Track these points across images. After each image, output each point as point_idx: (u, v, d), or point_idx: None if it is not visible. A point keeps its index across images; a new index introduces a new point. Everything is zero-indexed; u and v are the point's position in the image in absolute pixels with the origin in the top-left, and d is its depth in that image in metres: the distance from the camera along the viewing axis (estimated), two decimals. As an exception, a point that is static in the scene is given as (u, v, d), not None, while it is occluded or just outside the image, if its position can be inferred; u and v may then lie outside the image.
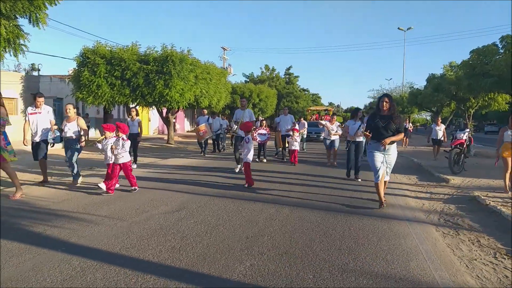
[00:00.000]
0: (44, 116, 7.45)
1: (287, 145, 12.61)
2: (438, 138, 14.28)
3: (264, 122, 14.28)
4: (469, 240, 4.68)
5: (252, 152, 7.90)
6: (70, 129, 7.54)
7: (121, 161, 6.97)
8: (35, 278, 3.22)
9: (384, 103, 5.99)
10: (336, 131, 11.75)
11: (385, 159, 6.03)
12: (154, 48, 17.63)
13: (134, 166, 10.62)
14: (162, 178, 8.83)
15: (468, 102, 17.92)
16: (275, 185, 7.99)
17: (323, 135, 25.41)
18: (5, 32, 8.61)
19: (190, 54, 18.07)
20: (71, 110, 7.62)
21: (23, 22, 9.56)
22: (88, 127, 21.66)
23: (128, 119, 11.11)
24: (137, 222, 5.03)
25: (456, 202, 6.87)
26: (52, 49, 79.19)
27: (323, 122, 12.64)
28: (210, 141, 15.96)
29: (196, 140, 15.29)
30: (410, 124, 27.59)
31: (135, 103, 18.00)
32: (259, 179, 8.77)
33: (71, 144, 7.56)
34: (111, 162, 6.98)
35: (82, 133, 7.66)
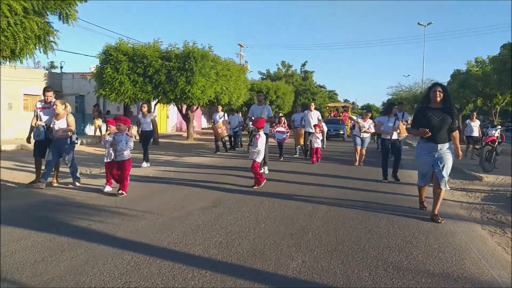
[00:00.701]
0: (53, 111, 6.99)
1: (308, 142, 12.17)
2: (474, 135, 13.26)
3: (283, 119, 13.61)
4: (518, 239, 4.56)
5: (263, 151, 7.26)
6: (60, 127, 6.86)
7: (119, 158, 6.33)
8: (92, 272, 3.22)
9: (438, 93, 5.05)
10: (368, 128, 11.09)
11: (439, 161, 5.08)
12: (175, 45, 17.67)
13: (147, 165, 9.95)
14: (190, 175, 8.85)
15: (495, 98, 17.55)
16: (304, 185, 7.91)
17: (341, 132, 25.27)
18: (37, 29, 8.70)
19: (211, 51, 18.06)
20: (58, 107, 6.86)
21: (52, 19, 9.62)
22: (109, 124, 21.87)
23: (139, 115, 10.16)
24: (177, 217, 5.03)
25: (495, 200, 6.73)
26: (72, 47, 79.95)
27: (354, 117, 12.15)
28: (226, 138, 15.38)
29: (214, 138, 14.65)
30: None
31: (157, 100, 18.09)
32: (285, 179, 8.75)
33: (62, 143, 6.94)
34: (109, 160, 6.54)
35: (61, 130, 6.86)
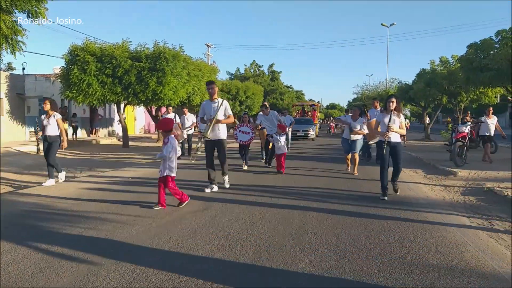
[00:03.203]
0: None
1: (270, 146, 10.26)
2: (490, 134, 11.14)
3: (247, 116, 11.22)
4: (505, 230, 4.75)
5: (174, 162, 5.72)
6: None
7: None
8: (97, 282, 3.07)
9: None
10: (360, 129, 9.14)
11: None
12: (145, 45, 17.26)
13: (50, 182, 7.66)
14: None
15: (459, 96, 18.32)
16: (291, 188, 7.93)
17: (310, 132, 25.06)
18: (5, 28, 8.25)
19: (182, 51, 17.79)
20: None
21: (19, 17, 9.16)
22: (76, 127, 21.14)
23: (42, 116, 8.07)
24: (171, 221, 4.89)
25: (473, 194, 6.98)
26: (34, 47, 75.00)
27: (342, 118, 10.31)
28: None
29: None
30: (407, 120, 27.51)
31: (126, 101, 17.63)
32: (264, 187, 8.73)
33: None
34: None
35: None
